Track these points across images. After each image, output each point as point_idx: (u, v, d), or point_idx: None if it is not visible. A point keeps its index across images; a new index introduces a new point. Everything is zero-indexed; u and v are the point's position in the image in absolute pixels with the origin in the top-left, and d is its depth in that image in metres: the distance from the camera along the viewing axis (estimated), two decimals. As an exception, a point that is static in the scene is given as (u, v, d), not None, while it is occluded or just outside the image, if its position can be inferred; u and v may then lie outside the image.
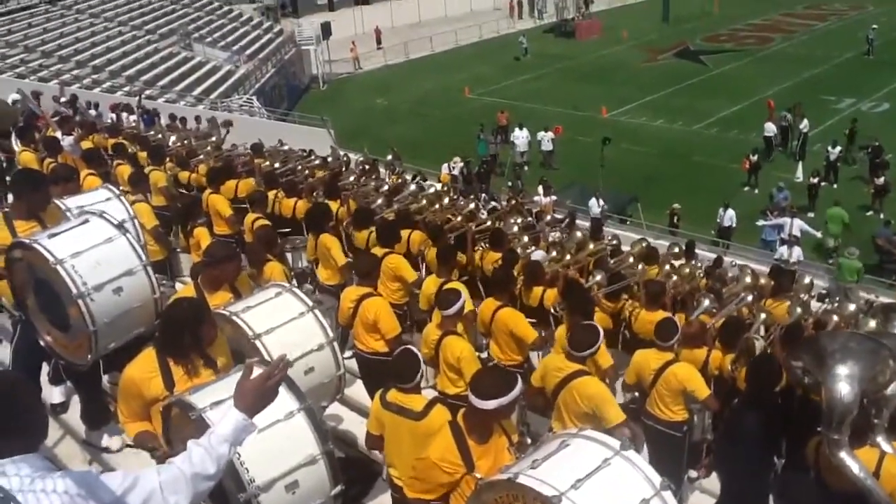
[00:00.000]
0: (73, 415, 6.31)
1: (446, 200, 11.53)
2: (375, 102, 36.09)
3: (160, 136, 16.08)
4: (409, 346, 4.96)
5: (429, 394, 5.22)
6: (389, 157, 18.20)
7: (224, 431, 2.72)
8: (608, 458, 3.31)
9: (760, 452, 5.36)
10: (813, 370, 4.81)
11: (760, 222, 19.06)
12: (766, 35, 44.28)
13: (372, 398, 5.49)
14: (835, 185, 23.12)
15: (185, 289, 5.95)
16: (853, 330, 7.13)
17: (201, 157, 13.58)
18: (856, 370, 4.64)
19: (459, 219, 10.39)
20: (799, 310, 7.63)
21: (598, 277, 8.32)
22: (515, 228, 10.64)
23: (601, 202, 19.59)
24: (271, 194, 10.33)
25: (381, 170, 16.21)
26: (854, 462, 4.58)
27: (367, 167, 15.26)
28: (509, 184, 22.62)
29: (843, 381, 4.63)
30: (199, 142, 15.45)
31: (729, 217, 19.66)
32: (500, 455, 4.03)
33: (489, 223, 10.50)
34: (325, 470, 3.76)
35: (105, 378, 6.18)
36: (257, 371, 2.91)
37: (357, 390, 7.03)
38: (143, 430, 4.26)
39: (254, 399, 2.81)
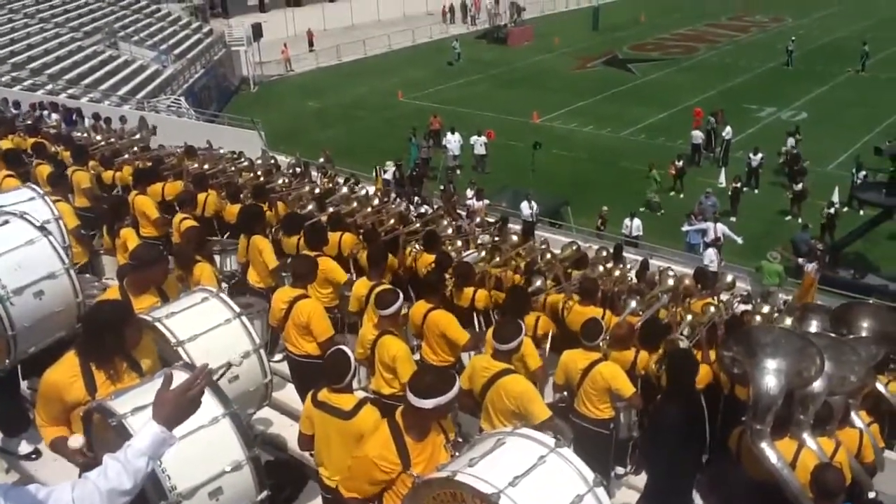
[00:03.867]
0: (-10, 422, 6.09)
1: (376, 202, 11.51)
2: (307, 105, 35.76)
3: (84, 135, 15.64)
4: (340, 347, 4.94)
5: (362, 396, 5.20)
6: (321, 160, 18.07)
7: (141, 445, 2.63)
8: (543, 456, 3.39)
9: (682, 445, 5.52)
10: (743, 361, 4.99)
11: (685, 227, 19.56)
12: (692, 45, 45.54)
13: (303, 401, 5.45)
14: (756, 191, 23.93)
15: (109, 291, 5.81)
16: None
17: (126, 156, 13.26)
18: (783, 365, 4.85)
19: (392, 221, 10.40)
20: (713, 309, 7.89)
21: (539, 283, 8.46)
22: (449, 231, 10.69)
23: (533, 205, 19.81)
24: (202, 197, 10.11)
25: (313, 173, 16.09)
26: (773, 452, 4.78)
27: (298, 170, 15.13)
28: (441, 187, 22.72)
29: (771, 375, 4.83)
30: (125, 141, 15.08)
31: (636, 226, 19.92)
32: (437, 453, 4.06)
33: (420, 226, 10.53)
34: (250, 476, 3.70)
35: (24, 384, 5.98)
36: (179, 379, 2.82)
37: (287, 393, 6.96)
38: (59, 436, 4.13)
39: (173, 410, 2.71)
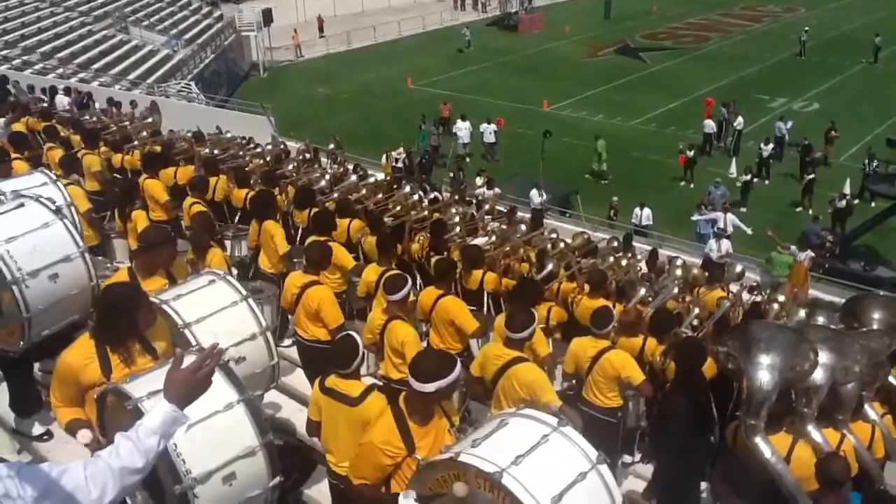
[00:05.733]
0: (2, 403, 6.14)
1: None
2: (317, 91, 35.74)
3: (94, 119, 15.69)
4: (349, 332, 4.96)
5: (370, 382, 5.22)
6: (331, 146, 18.07)
7: (152, 424, 2.64)
8: (546, 435, 3.40)
9: (690, 433, 5.53)
10: (738, 356, 4.98)
11: (695, 217, 19.50)
12: (704, 34, 45.19)
13: (313, 386, 5.48)
14: (766, 182, 23.82)
15: (118, 273, 5.83)
16: (782, 322, 7.38)
17: (136, 141, 13.29)
18: (777, 360, 4.83)
19: (399, 208, 10.42)
20: (727, 303, 7.86)
21: (551, 266, 8.46)
22: (457, 219, 10.70)
23: (542, 193, 19.79)
24: (213, 181, 10.14)
25: (323, 159, 16.09)
26: (766, 447, 4.78)
27: (308, 156, 15.14)
28: (451, 175, 22.70)
29: (764, 370, 4.82)
30: (136, 125, 15.12)
31: (646, 216, 19.93)
32: (441, 437, 4.08)
33: (429, 213, 10.54)
34: (263, 462, 3.71)
35: (36, 366, 6.03)
36: (189, 360, 2.83)
37: (296, 378, 7.00)
38: (74, 418, 4.17)
39: (184, 390, 2.73)
